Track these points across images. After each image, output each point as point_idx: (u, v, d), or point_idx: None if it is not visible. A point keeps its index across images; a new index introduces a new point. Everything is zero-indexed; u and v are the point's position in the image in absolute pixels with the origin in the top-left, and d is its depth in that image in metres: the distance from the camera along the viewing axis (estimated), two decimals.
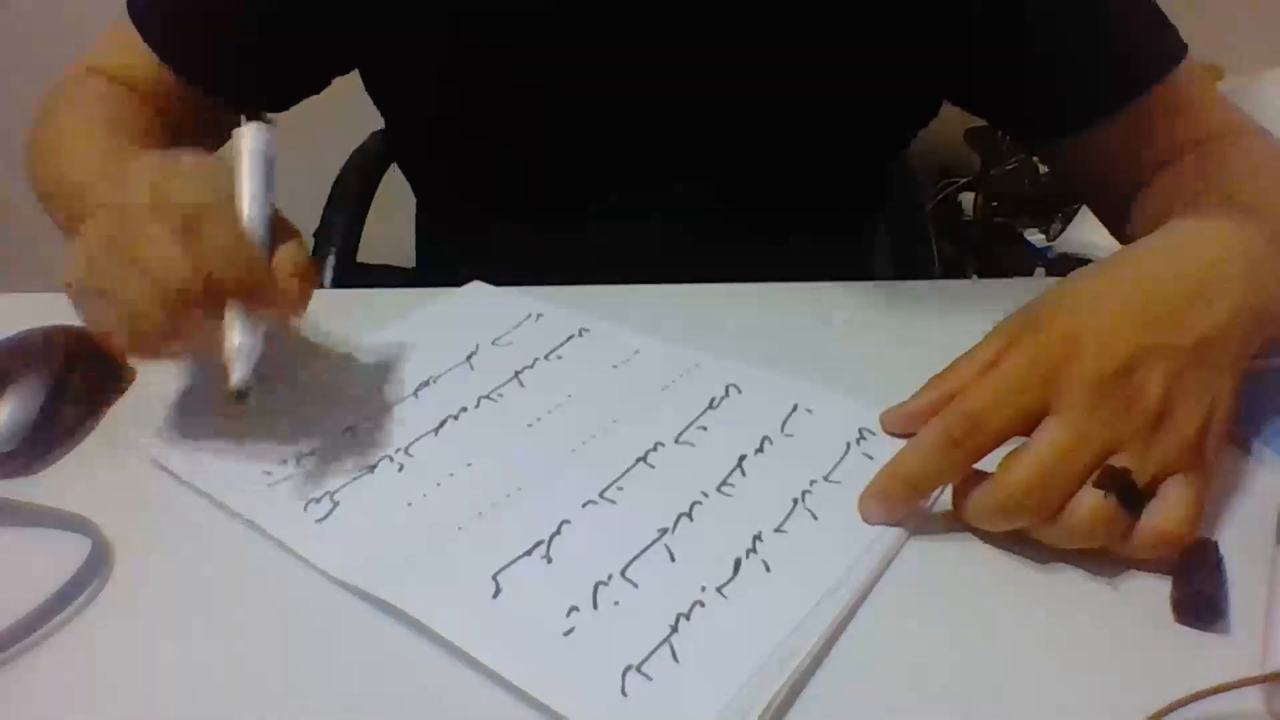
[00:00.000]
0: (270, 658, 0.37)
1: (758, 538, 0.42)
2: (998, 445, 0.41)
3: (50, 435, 0.48)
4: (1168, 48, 0.62)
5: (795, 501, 0.44)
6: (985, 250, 1.62)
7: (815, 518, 0.43)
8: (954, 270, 1.55)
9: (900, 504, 0.43)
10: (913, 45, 0.64)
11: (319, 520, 0.43)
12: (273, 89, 0.68)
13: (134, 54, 0.65)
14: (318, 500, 0.44)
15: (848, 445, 0.47)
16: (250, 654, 0.37)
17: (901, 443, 0.45)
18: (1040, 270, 1.57)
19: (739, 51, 0.63)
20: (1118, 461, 0.40)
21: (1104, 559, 0.41)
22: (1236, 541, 0.42)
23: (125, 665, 0.37)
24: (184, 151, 0.48)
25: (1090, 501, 0.39)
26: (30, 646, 0.38)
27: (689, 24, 0.62)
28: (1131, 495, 0.39)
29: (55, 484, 0.46)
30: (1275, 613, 0.38)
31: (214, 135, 0.66)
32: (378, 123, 0.78)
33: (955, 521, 0.43)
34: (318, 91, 0.71)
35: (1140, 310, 0.43)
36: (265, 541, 0.42)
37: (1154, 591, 0.40)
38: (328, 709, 0.35)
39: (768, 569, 0.40)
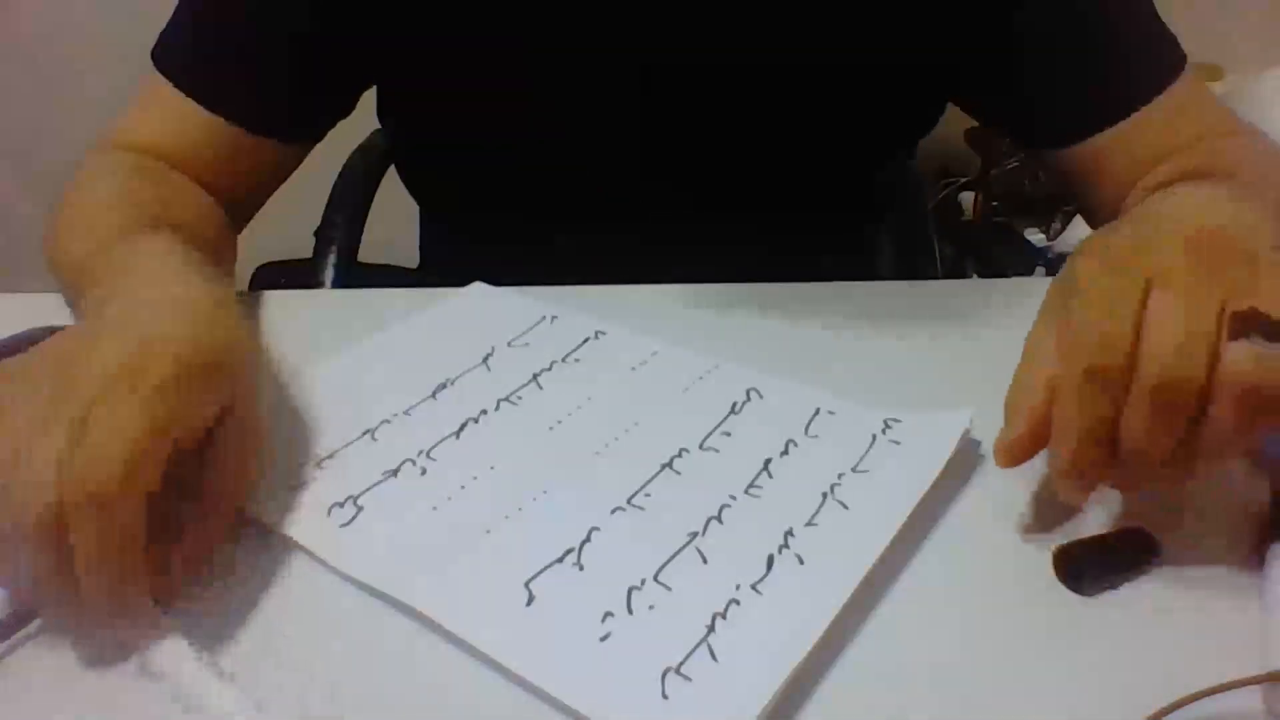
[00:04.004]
0: (270, 658, 0.37)
1: (789, 533, 0.42)
2: (1134, 352, 0.37)
3: None
4: (1168, 59, 0.62)
5: (825, 495, 0.44)
6: (985, 250, 1.62)
7: (846, 508, 0.43)
8: (954, 270, 1.55)
9: (1096, 469, 0.39)
10: (915, 54, 0.64)
11: (343, 525, 0.42)
12: (307, 116, 0.66)
13: (163, 112, 0.62)
14: (341, 505, 0.43)
15: (873, 437, 0.47)
16: (244, 650, 0.37)
17: (927, 423, 0.45)
18: (1040, 270, 1.57)
19: (743, 59, 0.63)
20: (1239, 306, 0.36)
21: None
22: (1231, 540, 0.42)
23: (115, 663, 0.37)
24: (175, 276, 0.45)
25: (1238, 355, 0.36)
26: (24, 642, 0.38)
27: (698, 39, 0.62)
28: (1274, 329, 0.36)
29: None
30: (1274, 613, 0.38)
31: (256, 185, 0.65)
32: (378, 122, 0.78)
33: (962, 527, 0.43)
34: (348, 113, 0.69)
35: (1152, 223, 0.42)
36: (262, 540, 0.42)
37: (1154, 592, 0.40)
38: (333, 711, 0.35)
39: (801, 562, 0.40)
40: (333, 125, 0.68)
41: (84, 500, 0.34)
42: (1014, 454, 0.41)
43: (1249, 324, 0.36)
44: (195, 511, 0.40)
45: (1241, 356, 0.36)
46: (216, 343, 0.41)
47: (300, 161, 0.68)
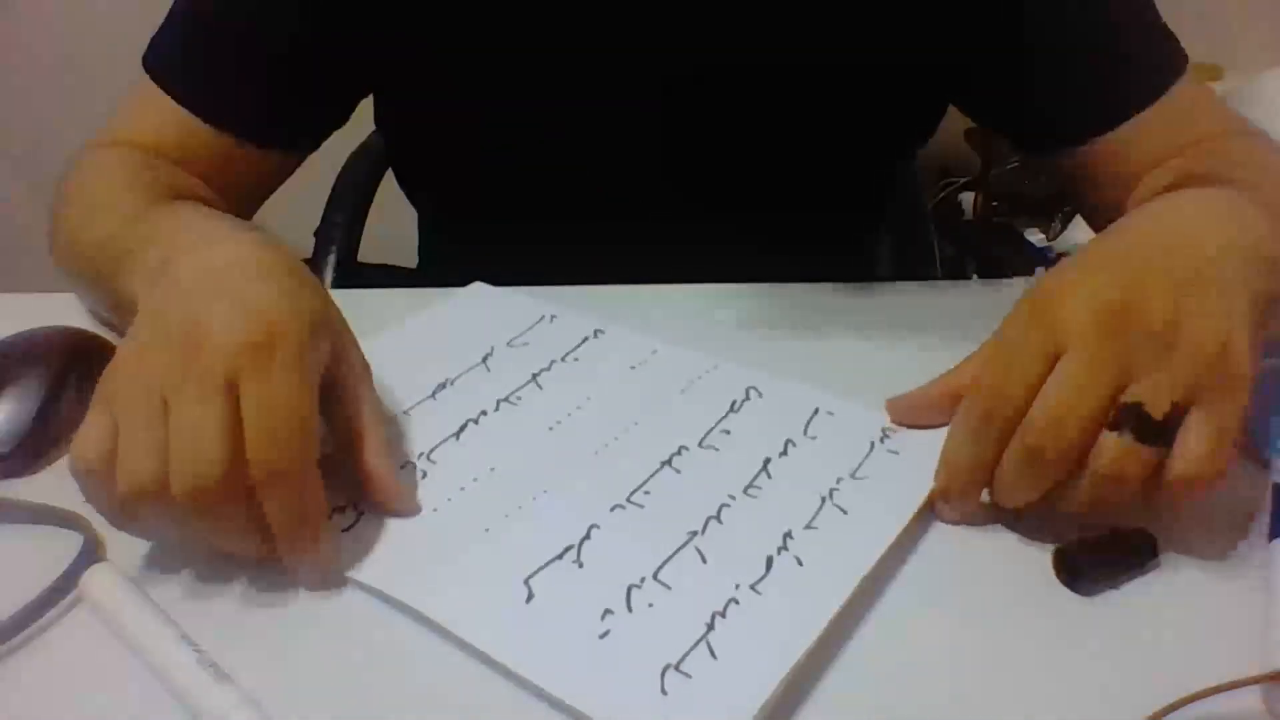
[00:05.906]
0: (270, 658, 0.37)
1: (788, 535, 0.42)
2: (1027, 408, 0.40)
3: (47, 437, 0.48)
4: (1169, 61, 0.62)
5: (823, 499, 0.44)
6: (985, 250, 1.62)
7: (845, 513, 0.43)
8: (954, 270, 1.54)
9: (967, 499, 0.43)
10: (923, 55, 0.64)
11: (345, 529, 0.42)
12: (304, 126, 0.66)
13: (157, 115, 0.61)
14: (342, 509, 0.43)
15: (872, 444, 0.47)
16: (243, 650, 0.37)
17: (925, 435, 0.46)
18: (1040, 270, 1.56)
19: (760, 59, 0.63)
20: (1130, 396, 0.38)
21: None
22: (1231, 540, 0.42)
23: (115, 661, 0.37)
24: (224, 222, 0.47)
25: (1107, 444, 0.38)
26: (25, 641, 0.38)
27: (714, 41, 0.62)
28: (1148, 429, 0.38)
29: (51, 483, 0.46)
30: (1274, 612, 0.38)
31: (252, 190, 0.65)
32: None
33: (967, 523, 0.43)
34: (345, 121, 0.69)
35: (1126, 253, 0.43)
36: None
37: (1154, 592, 0.40)
38: (333, 711, 0.35)
39: (800, 563, 0.40)
40: (329, 134, 0.68)
41: (269, 477, 0.37)
42: (898, 410, 0.49)
43: (1128, 418, 0.38)
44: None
45: (1108, 447, 0.38)
46: (310, 302, 0.42)
47: (297, 167, 0.67)
